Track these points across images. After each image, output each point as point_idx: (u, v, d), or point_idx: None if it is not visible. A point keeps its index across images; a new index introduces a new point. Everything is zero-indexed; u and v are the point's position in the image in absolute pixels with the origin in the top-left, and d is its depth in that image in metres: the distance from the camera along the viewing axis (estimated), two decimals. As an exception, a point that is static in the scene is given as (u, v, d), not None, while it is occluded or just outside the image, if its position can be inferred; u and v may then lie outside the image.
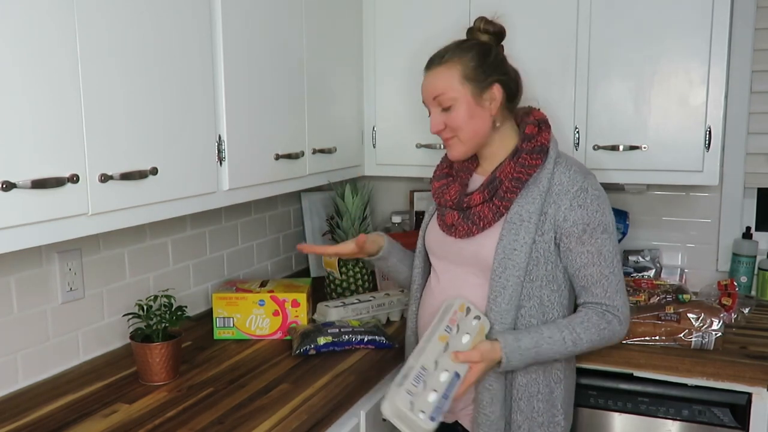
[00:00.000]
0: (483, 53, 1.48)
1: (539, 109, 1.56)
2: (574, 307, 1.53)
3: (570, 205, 1.43)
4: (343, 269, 2.07)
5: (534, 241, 1.43)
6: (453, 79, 1.47)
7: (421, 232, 1.67)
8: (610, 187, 2.30)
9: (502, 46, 1.55)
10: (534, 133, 1.49)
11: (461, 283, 1.53)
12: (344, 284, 2.08)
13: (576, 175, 1.45)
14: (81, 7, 1.13)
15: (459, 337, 1.40)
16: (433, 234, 1.61)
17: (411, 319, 1.67)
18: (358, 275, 2.09)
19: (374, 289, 2.17)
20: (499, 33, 1.53)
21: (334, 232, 2.12)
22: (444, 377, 1.33)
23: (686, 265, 2.31)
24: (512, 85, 1.51)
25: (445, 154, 1.64)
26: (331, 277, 2.10)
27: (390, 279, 1.92)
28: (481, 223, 1.47)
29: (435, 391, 1.31)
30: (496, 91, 1.47)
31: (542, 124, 1.51)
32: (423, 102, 1.54)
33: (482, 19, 1.53)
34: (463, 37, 1.55)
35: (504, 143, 1.52)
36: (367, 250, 1.66)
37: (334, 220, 2.12)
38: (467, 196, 1.52)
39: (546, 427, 1.49)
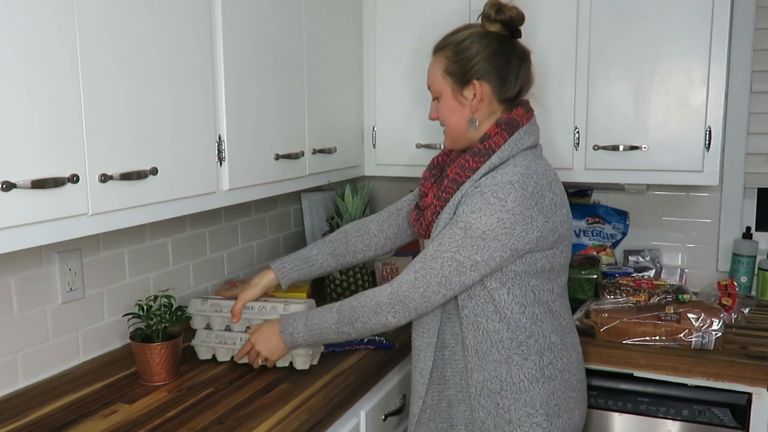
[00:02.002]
0: (469, 46, 1.42)
1: (520, 108, 1.45)
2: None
3: (463, 201, 1.38)
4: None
5: None
6: (437, 72, 1.47)
7: None
8: (610, 187, 2.33)
9: (519, 31, 1.46)
10: (491, 134, 1.42)
11: None
12: (344, 284, 2.08)
13: (489, 181, 1.36)
14: (81, 7, 1.13)
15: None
16: None
17: None
18: (358, 275, 2.09)
19: None
20: (509, 21, 1.43)
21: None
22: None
23: (686, 265, 2.31)
24: (508, 78, 1.43)
25: None
26: (330, 278, 2.10)
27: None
28: (424, 223, 1.48)
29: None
30: (477, 88, 1.42)
31: (506, 126, 1.42)
32: None
33: (492, 4, 1.43)
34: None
35: None
36: (268, 291, 1.68)
37: (334, 220, 2.12)
38: (424, 197, 1.52)
39: (517, 425, 1.42)
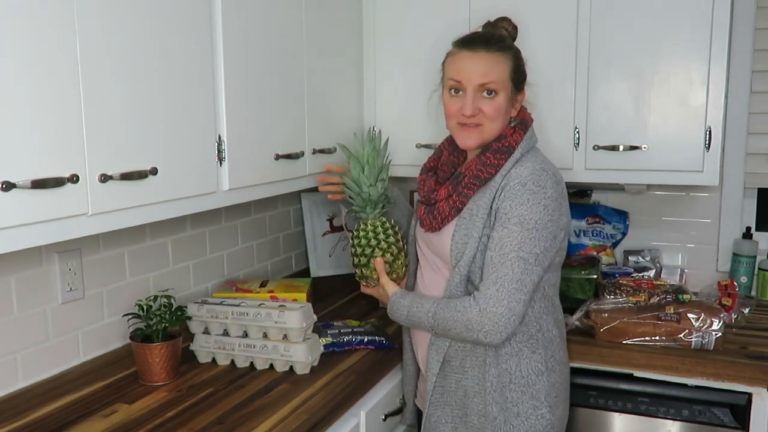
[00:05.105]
0: (520, 56, 1.53)
1: (525, 110, 1.58)
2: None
3: (505, 196, 1.42)
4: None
5: (483, 235, 1.44)
6: (505, 71, 1.49)
7: (412, 221, 1.71)
8: (610, 187, 2.33)
9: None
10: (507, 134, 1.49)
11: (435, 275, 1.57)
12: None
13: (524, 170, 1.44)
14: (81, 8, 1.13)
15: None
16: (416, 225, 1.65)
17: None
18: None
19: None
20: (516, 34, 1.59)
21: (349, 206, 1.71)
22: None
23: (686, 265, 2.31)
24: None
25: (439, 146, 1.67)
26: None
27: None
28: (440, 216, 1.51)
29: None
30: (521, 97, 1.53)
31: (519, 126, 1.52)
32: (453, 78, 1.48)
33: (503, 18, 1.59)
34: (467, 32, 1.57)
35: None
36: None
37: (335, 220, 2.07)
38: (434, 192, 1.55)
39: (525, 419, 1.47)
